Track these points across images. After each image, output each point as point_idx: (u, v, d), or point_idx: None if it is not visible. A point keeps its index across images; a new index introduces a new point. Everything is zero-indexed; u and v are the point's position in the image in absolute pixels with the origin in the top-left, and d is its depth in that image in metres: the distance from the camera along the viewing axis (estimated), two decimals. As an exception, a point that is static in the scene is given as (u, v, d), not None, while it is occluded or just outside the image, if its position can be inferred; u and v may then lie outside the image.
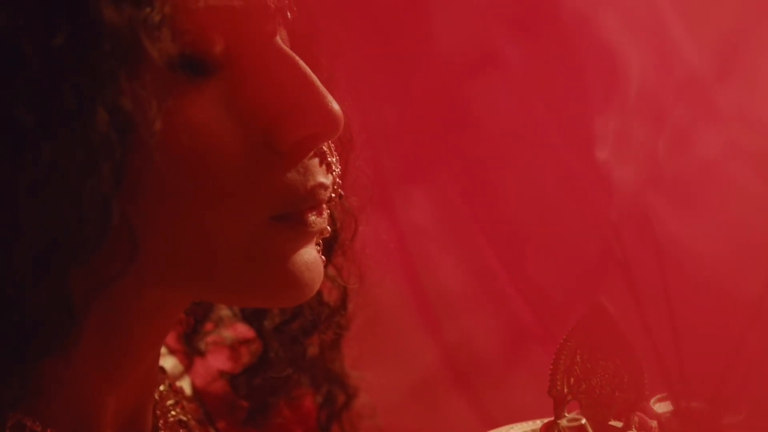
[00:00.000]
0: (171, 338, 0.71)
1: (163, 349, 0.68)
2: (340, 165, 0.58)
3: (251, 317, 0.70)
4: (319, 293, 0.66)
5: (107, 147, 0.46)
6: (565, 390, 0.52)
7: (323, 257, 0.58)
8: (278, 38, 0.54)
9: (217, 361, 0.73)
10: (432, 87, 0.94)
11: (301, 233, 0.54)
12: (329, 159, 0.55)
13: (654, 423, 0.54)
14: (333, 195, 0.57)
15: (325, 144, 0.55)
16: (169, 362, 0.70)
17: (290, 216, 0.53)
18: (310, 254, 0.55)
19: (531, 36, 0.93)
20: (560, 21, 0.91)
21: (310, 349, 0.71)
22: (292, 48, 0.58)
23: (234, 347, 0.74)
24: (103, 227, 0.46)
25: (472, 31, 0.94)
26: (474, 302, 0.95)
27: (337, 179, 0.57)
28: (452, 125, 0.94)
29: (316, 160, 0.54)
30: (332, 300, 0.69)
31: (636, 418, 0.53)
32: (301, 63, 0.54)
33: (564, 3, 0.91)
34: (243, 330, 0.73)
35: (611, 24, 0.89)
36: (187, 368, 0.72)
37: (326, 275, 0.65)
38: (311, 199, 0.54)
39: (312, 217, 0.54)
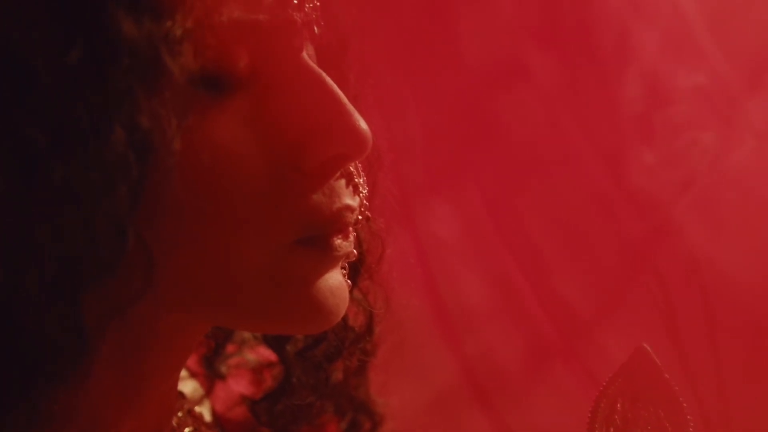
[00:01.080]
0: (192, 361, 0.68)
1: (183, 372, 0.65)
2: (367, 186, 0.54)
3: (273, 341, 0.67)
4: (345, 318, 0.62)
5: (123, 168, 0.42)
6: (604, 440, 0.48)
7: (349, 281, 0.54)
8: (304, 54, 0.51)
9: (239, 385, 0.70)
10: (457, 100, 0.92)
11: (327, 257, 0.50)
12: (356, 180, 0.52)
13: None
14: (360, 217, 0.53)
15: (352, 164, 0.51)
16: (189, 386, 0.67)
17: (315, 239, 0.50)
18: (336, 279, 0.51)
19: (559, 49, 0.90)
20: (590, 34, 0.88)
21: (334, 375, 0.67)
22: (318, 64, 0.54)
23: (257, 370, 0.70)
24: (117, 251, 0.43)
25: (500, 43, 0.92)
26: (496, 317, 0.92)
27: (364, 201, 0.53)
28: (477, 138, 0.92)
29: (343, 182, 0.51)
30: (358, 325, 0.65)
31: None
32: (328, 80, 0.50)
33: (594, 16, 0.88)
34: (266, 352, 0.70)
35: (642, 38, 0.86)
36: (208, 392, 0.68)
37: (352, 299, 0.62)
38: (337, 222, 0.50)
39: (338, 241, 0.50)
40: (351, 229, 0.52)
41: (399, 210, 0.66)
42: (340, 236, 0.50)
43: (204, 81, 0.46)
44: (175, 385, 0.58)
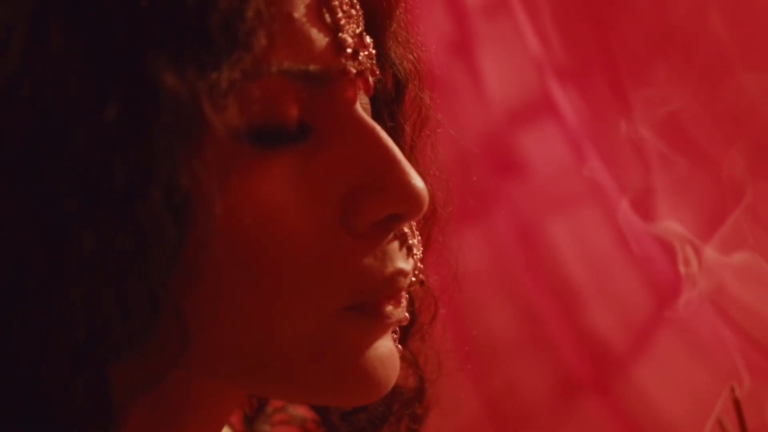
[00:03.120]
0: (236, 417, 0.63)
1: (226, 430, 0.60)
2: (422, 245, 0.49)
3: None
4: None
5: (159, 233, 0.38)
6: None
7: (399, 346, 0.49)
8: (357, 106, 0.46)
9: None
10: (486, 132, 0.88)
11: (377, 326, 0.46)
12: (410, 241, 0.47)
13: None
14: (413, 279, 0.48)
15: (407, 224, 0.47)
16: (229, 447, 0.62)
17: (365, 306, 0.45)
18: (386, 347, 0.46)
19: (585, 84, 0.86)
20: (614, 68, 0.84)
21: None
22: (373, 114, 0.50)
23: (304, 427, 0.65)
24: (149, 321, 0.39)
25: (526, 78, 0.88)
26: (523, 350, 0.87)
27: (419, 263, 0.48)
28: (506, 169, 0.88)
29: (396, 244, 0.46)
30: (407, 388, 0.60)
31: None
32: (383, 134, 0.46)
33: (618, 50, 0.84)
34: (315, 408, 0.65)
35: (667, 72, 0.81)
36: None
37: (402, 360, 0.57)
38: (389, 287, 0.45)
39: (389, 308, 0.45)
40: (404, 293, 0.47)
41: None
42: (391, 302, 0.46)
43: (250, 136, 0.42)
44: None
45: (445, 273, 0.61)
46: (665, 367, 0.86)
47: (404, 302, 0.47)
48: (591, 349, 0.87)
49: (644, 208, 0.86)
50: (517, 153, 0.89)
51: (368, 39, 0.47)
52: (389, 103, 0.54)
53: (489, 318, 0.88)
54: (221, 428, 0.52)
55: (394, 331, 0.50)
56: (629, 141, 0.85)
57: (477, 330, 0.84)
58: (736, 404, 0.48)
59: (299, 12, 0.44)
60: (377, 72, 0.48)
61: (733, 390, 0.49)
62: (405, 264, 0.46)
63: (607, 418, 0.86)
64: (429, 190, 0.47)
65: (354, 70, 0.46)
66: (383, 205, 0.44)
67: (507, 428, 0.87)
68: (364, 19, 0.48)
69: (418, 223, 0.51)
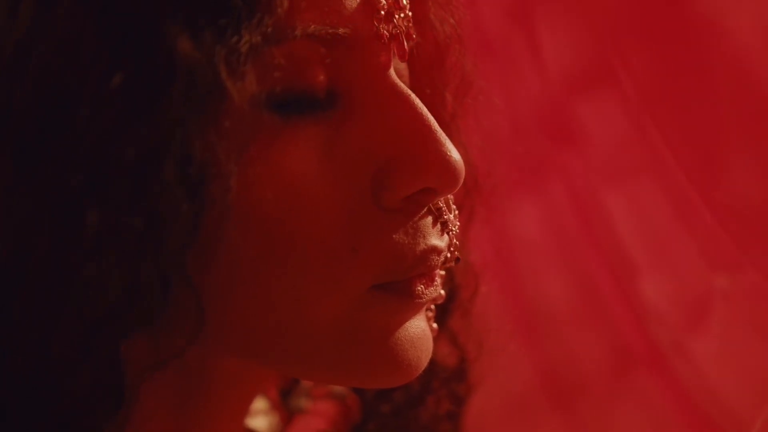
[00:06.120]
0: (275, 392, 0.60)
1: (264, 405, 0.58)
2: (459, 220, 0.45)
3: None
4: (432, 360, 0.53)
5: (172, 208, 0.35)
6: None
7: (434, 326, 0.45)
8: (391, 72, 0.42)
9: (324, 419, 0.61)
10: (542, 99, 0.84)
11: (407, 305, 0.42)
12: (446, 216, 0.43)
13: None
14: (449, 256, 0.44)
15: (442, 198, 0.43)
16: (263, 422, 0.59)
17: (395, 285, 0.41)
18: (417, 327, 0.43)
19: (648, 50, 0.80)
20: (681, 34, 0.78)
21: (414, 423, 0.57)
22: (410, 81, 0.46)
23: (343, 400, 0.62)
24: (163, 299, 0.36)
25: (586, 47, 0.83)
26: (579, 321, 0.83)
27: (455, 240, 0.44)
28: (563, 138, 0.83)
29: (429, 219, 0.42)
30: (446, 366, 0.56)
31: None
32: (418, 103, 0.41)
33: (686, 15, 0.77)
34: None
35: (736, 45, 0.74)
36: (287, 427, 0.61)
37: (444, 335, 0.53)
38: (421, 265, 0.41)
39: (420, 288, 0.41)
40: (437, 272, 0.43)
41: (482, 206, 0.57)
42: (423, 281, 0.42)
43: (271, 103, 0.38)
44: (240, 427, 0.50)
45: (486, 248, 0.56)
46: (723, 340, 0.80)
47: (438, 281, 0.43)
48: (648, 322, 0.82)
49: (704, 179, 0.80)
50: (575, 122, 0.84)
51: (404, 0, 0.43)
52: (428, 70, 0.50)
53: (544, 289, 0.84)
54: (247, 407, 0.49)
55: (430, 309, 0.46)
56: (690, 111, 0.80)
57: (532, 301, 0.81)
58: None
59: None
60: (414, 35, 0.44)
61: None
62: (438, 241, 0.42)
63: (662, 390, 0.81)
64: (468, 162, 0.43)
65: (387, 34, 0.42)
66: (416, 179, 0.40)
67: (561, 399, 0.83)
68: None
69: (458, 196, 0.47)
